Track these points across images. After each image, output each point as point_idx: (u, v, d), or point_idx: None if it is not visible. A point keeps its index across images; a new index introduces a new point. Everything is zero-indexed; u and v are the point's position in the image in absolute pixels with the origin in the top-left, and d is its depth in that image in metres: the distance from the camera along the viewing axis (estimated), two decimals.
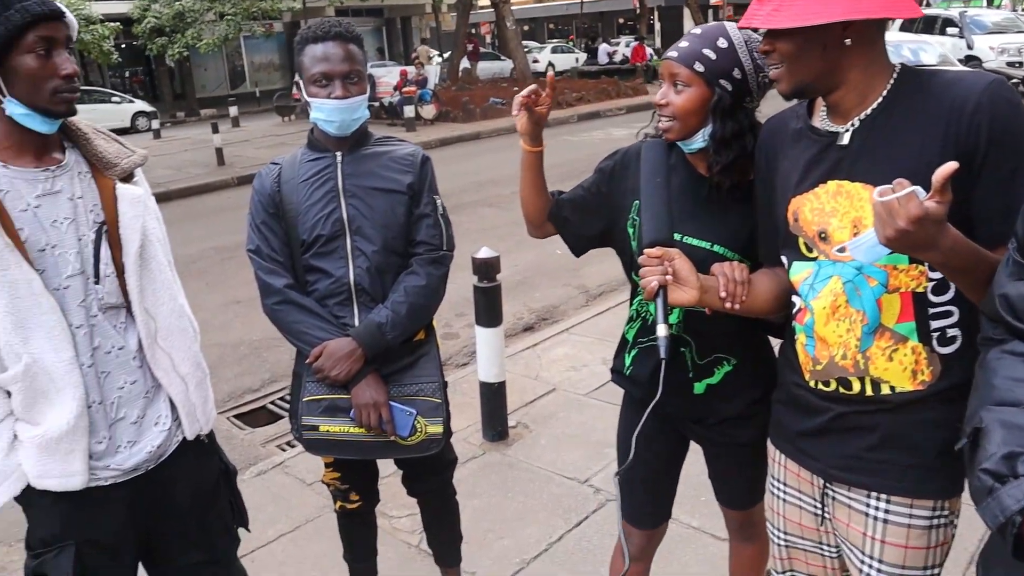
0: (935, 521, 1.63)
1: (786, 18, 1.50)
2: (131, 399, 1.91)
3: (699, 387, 2.08)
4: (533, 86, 2.05)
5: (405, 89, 19.98)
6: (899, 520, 1.63)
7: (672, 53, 1.89)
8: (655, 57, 30.65)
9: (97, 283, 1.83)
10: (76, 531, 1.85)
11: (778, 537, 1.91)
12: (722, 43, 1.85)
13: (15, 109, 1.70)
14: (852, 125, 1.58)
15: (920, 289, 1.54)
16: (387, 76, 21.83)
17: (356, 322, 2.34)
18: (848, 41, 1.51)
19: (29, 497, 1.83)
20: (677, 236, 1.95)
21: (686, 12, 34.65)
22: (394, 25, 39.12)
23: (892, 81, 1.56)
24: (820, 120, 1.66)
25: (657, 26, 41.15)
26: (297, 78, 2.35)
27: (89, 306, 1.83)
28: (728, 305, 1.70)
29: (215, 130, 16.23)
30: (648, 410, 1.71)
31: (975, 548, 2.85)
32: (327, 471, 2.60)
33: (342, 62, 2.24)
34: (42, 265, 1.76)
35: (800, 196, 1.65)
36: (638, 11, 36.29)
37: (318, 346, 2.29)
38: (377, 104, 21.20)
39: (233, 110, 22.84)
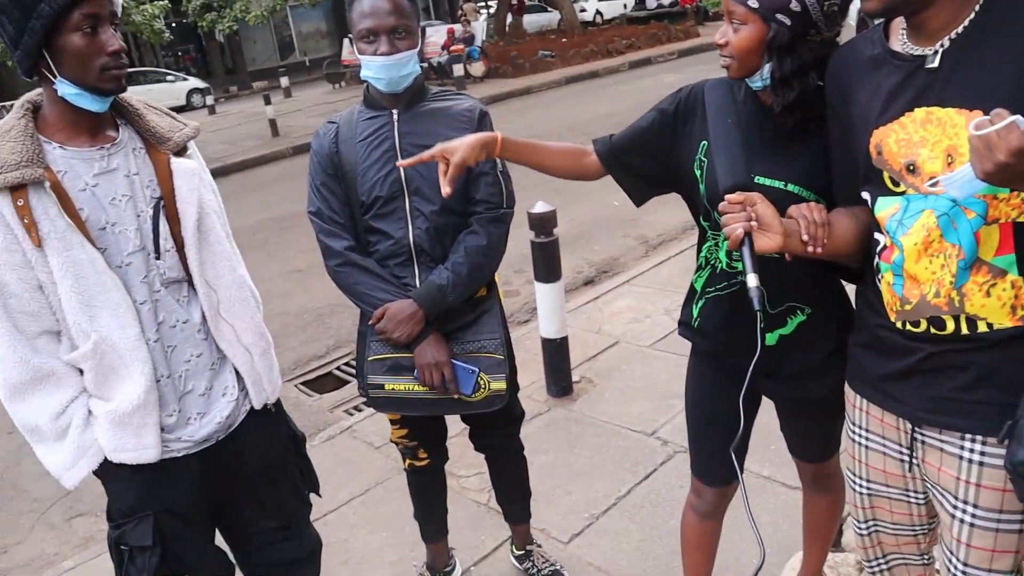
0: None
1: None
2: (198, 371, 1.94)
3: (771, 338, 1.98)
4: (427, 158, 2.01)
5: (453, 48, 19.87)
6: (996, 463, 1.53)
7: None
8: None
9: (158, 258, 1.85)
10: (153, 501, 1.90)
11: (859, 486, 1.84)
12: None
13: (66, 89, 1.71)
14: (941, 45, 1.45)
15: (1022, 219, 1.43)
16: (434, 35, 21.72)
17: (417, 282, 2.33)
18: None
19: (106, 471, 1.88)
20: None
21: None
22: None
23: None
24: (900, 43, 1.53)
25: None
26: (349, 36, 2.32)
27: (152, 282, 1.85)
28: (811, 249, 1.61)
29: (267, 102, 16.41)
30: (750, 372, 1.63)
31: None
32: (394, 429, 2.62)
33: (388, 16, 2.19)
34: (104, 243, 1.78)
35: (884, 127, 1.53)
36: None
37: (380, 308, 2.30)
38: (426, 64, 21.13)
39: (284, 81, 22.98)
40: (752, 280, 1.58)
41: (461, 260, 2.30)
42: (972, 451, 1.56)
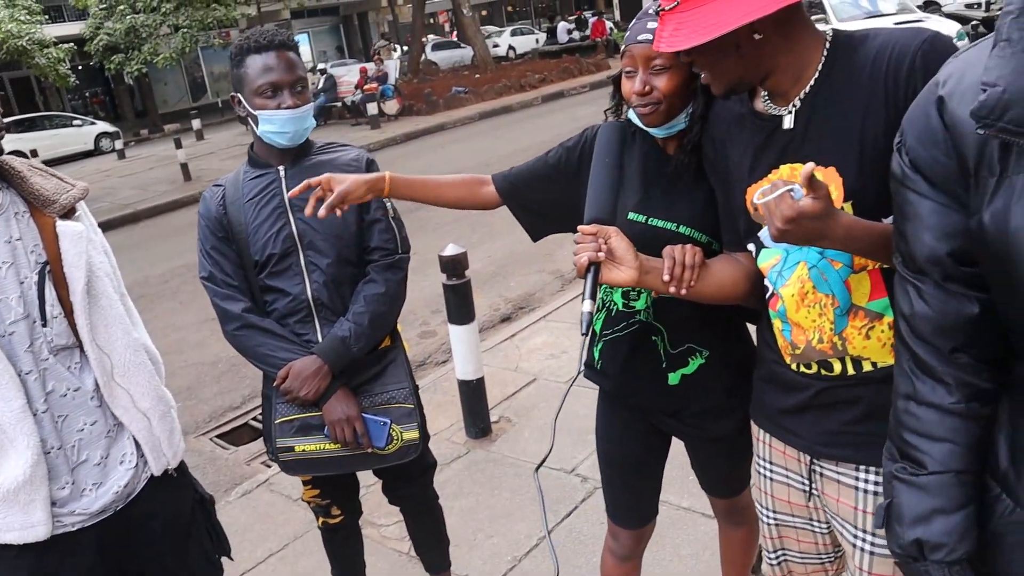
0: None
1: (684, 38, 1.44)
2: (92, 440, 1.86)
3: (674, 378, 2.02)
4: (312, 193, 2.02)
5: (366, 86, 19.85)
6: None
7: (647, 36, 1.77)
8: (615, 31, 30.58)
9: (44, 326, 1.78)
10: None
11: (767, 516, 1.88)
12: None
13: None
14: (793, 106, 1.53)
15: (887, 265, 1.49)
16: (348, 75, 21.67)
17: (319, 338, 2.30)
18: (757, 36, 1.45)
19: None
20: (641, 218, 1.90)
21: None
22: (351, 22, 38.84)
23: (825, 52, 1.51)
24: (762, 103, 1.60)
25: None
26: (234, 92, 2.30)
27: (38, 351, 1.78)
28: (672, 290, 1.64)
29: (178, 145, 16.08)
30: (568, 388, 1.63)
31: None
32: (306, 489, 2.57)
33: (288, 71, 2.20)
34: None
35: (756, 184, 1.60)
36: None
37: (283, 368, 2.26)
38: (340, 104, 21.05)
39: (196, 123, 22.67)
40: (586, 306, 1.58)
41: (362, 310, 2.28)
42: (867, 481, 1.61)
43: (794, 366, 1.65)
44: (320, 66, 25.15)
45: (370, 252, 2.34)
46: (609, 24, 31.81)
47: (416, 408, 2.39)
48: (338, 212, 2.01)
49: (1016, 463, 1.19)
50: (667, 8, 1.48)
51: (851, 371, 1.57)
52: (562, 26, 34.49)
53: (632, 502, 2.26)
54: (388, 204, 2.38)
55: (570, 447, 3.92)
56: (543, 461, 1.64)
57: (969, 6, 19.14)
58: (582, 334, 1.59)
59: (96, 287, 1.86)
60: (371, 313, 2.28)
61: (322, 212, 1.97)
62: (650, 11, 1.82)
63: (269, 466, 4.37)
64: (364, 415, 2.31)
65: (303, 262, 2.28)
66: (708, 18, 1.41)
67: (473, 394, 4.14)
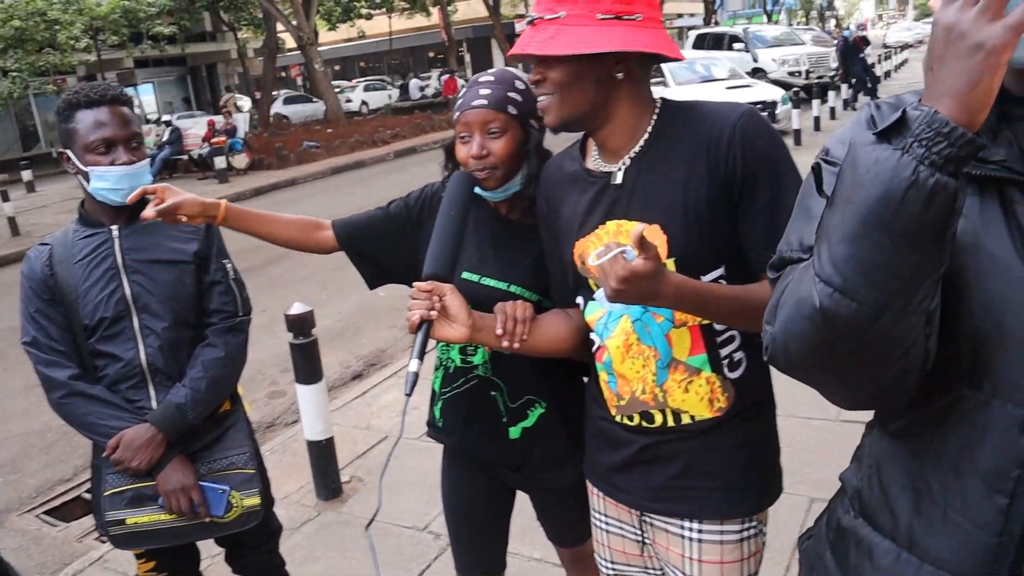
0: (745, 534, 1.69)
1: (563, 45, 1.49)
2: None
3: (514, 431, 2.05)
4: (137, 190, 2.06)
5: (214, 140, 19.32)
6: (712, 539, 1.68)
7: (481, 102, 1.85)
8: None
9: None
10: None
11: (606, 567, 1.93)
12: (520, 85, 1.87)
13: None
14: (623, 163, 1.61)
15: (706, 321, 1.58)
16: (195, 127, 21.08)
17: (153, 404, 2.22)
18: (620, 75, 1.54)
19: None
20: (475, 277, 1.95)
21: (494, 43, 35.50)
22: (199, 73, 37.86)
23: (655, 116, 1.61)
24: (593, 161, 1.69)
25: (467, 58, 41.94)
26: (63, 148, 2.22)
27: None
28: (505, 344, 1.67)
29: (5, 198, 15.03)
30: (391, 451, 1.61)
31: (789, 552, 3.01)
32: (140, 563, 2.43)
33: (124, 126, 2.15)
34: None
35: (583, 239, 1.67)
36: (446, 44, 36.80)
37: (114, 437, 2.16)
38: (186, 157, 20.43)
39: (27, 174, 21.30)
40: (412, 365, 1.55)
41: (199, 375, 2.22)
42: (691, 530, 1.70)
43: (619, 418, 1.72)
44: (165, 117, 24.37)
45: (209, 315, 2.29)
46: (461, 82, 32.42)
47: (258, 473, 2.33)
48: (167, 220, 2.01)
49: (922, 512, 1.09)
50: (547, 17, 1.53)
51: (671, 423, 1.65)
52: (414, 83, 34.95)
53: (480, 557, 2.28)
54: (229, 265, 2.33)
55: (423, 504, 3.90)
56: (372, 520, 1.62)
57: (792, 74, 20.82)
58: (406, 395, 1.54)
59: None
60: (209, 378, 2.22)
61: (150, 213, 1.98)
62: (480, 79, 1.92)
63: (104, 542, 4.10)
64: (202, 483, 2.23)
65: (137, 326, 2.20)
66: (592, 35, 1.49)
67: (322, 455, 4.06)
